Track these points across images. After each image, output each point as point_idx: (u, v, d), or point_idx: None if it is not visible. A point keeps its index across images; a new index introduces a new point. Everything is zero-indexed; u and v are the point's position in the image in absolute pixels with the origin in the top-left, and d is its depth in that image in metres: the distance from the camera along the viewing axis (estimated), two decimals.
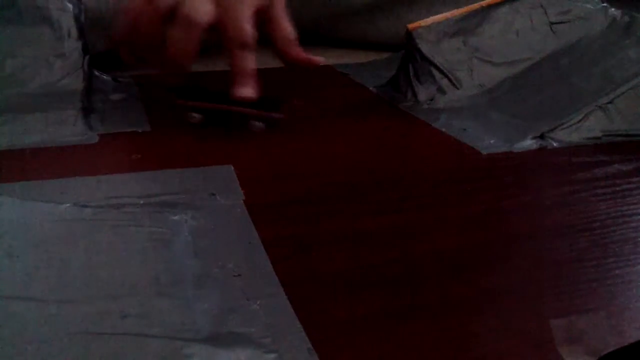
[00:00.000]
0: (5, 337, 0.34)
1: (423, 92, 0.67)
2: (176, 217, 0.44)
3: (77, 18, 0.61)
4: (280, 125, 0.60)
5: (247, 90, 0.57)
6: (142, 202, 0.46)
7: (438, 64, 0.67)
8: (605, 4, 0.73)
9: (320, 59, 0.60)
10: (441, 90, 0.67)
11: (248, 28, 0.55)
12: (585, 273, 0.42)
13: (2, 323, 0.35)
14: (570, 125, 0.60)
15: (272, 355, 0.34)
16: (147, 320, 0.36)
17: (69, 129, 0.55)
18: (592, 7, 0.72)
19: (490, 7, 0.71)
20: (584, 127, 0.60)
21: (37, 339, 0.34)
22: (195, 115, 0.59)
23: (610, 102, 0.62)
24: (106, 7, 0.67)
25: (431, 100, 0.66)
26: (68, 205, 0.44)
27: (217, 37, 0.55)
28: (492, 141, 0.59)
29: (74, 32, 0.60)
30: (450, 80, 0.67)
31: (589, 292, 0.40)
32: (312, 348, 0.34)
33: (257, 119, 0.59)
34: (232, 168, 0.51)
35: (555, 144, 0.59)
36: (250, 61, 0.56)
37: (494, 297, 0.41)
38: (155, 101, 0.62)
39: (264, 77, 0.57)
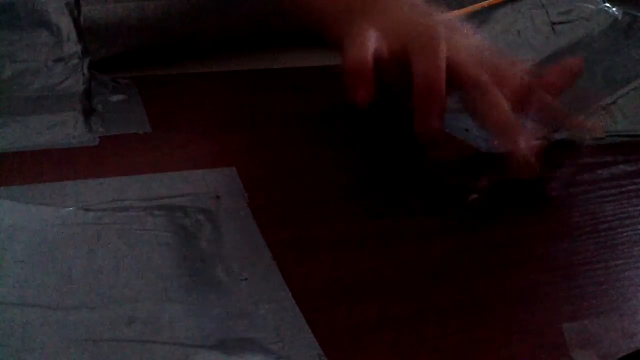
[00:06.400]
0: (10, 345, 0.34)
1: None
2: (181, 221, 0.44)
3: (76, 21, 0.60)
4: (276, 128, 0.59)
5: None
6: (145, 205, 0.45)
7: None
8: (606, 4, 0.72)
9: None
10: None
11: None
12: (594, 276, 0.42)
13: (7, 330, 0.34)
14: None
15: None
16: (154, 326, 0.35)
17: (69, 131, 0.54)
18: (593, 7, 0.72)
19: (491, 8, 0.71)
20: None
21: (41, 347, 0.34)
22: (475, 195, 0.46)
23: (613, 103, 0.62)
24: (108, 17, 0.66)
25: None
26: (71, 208, 0.44)
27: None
28: (495, 142, 0.58)
29: (73, 35, 0.60)
30: None
31: (600, 295, 0.40)
32: (323, 354, 0.34)
33: (553, 179, 0.48)
34: (235, 170, 0.51)
35: None
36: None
37: (504, 301, 0.40)
38: (155, 102, 0.61)
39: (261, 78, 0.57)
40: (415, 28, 0.49)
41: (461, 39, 0.50)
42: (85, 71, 0.60)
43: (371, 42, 0.48)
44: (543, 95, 0.49)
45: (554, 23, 0.71)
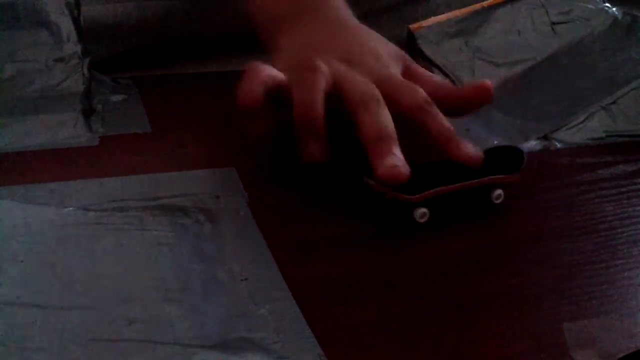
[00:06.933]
0: (9, 344, 0.34)
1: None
2: (181, 220, 0.44)
3: (76, 21, 0.60)
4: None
5: (471, 148, 0.46)
6: (145, 205, 0.45)
7: (440, 64, 0.67)
8: (606, 4, 0.72)
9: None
10: None
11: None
12: (594, 276, 0.42)
13: (6, 330, 0.34)
14: (574, 126, 0.60)
15: None
16: (154, 326, 0.35)
17: (69, 131, 0.55)
18: (593, 7, 0.72)
19: (491, 8, 0.71)
20: (587, 128, 0.60)
21: (41, 346, 0.34)
22: (424, 210, 0.46)
23: (613, 103, 0.62)
24: (108, 17, 0.66)
25: None
26: (71, 209, 0.44)
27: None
28: (495, 142, 0.58)
29: (73, 35, 0.60)
30: (452, 80, 0.67)
31: (600, 295, 0.40)
32: (322, 354, 0.34)
33: (497, 187, 0.48)
34: (235, 170, 0.51)
35: (558, 145, 0.58)
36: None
37: (504, 300, 0.40)
38: (155, 102, 0.61)
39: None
40: (299, 61, 0.50)
41: (355, 64, 0.50)
42: (85, 71, 0.60)
43: (257, 78, 0.48)
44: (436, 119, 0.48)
45: (554, 23, 0.71)
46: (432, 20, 0.69)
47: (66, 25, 0.60)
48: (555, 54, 0.70)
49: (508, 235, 0.47)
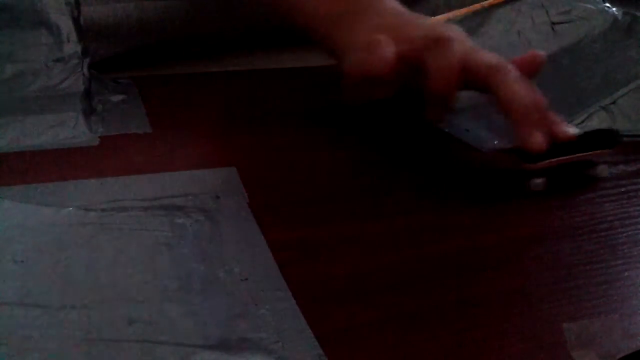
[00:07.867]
0: (9, 344, 0.34)
1: None
2: (181, 220, 0.44)
3: (76, 21, 0.60)
4: (276, 128, 0.59)
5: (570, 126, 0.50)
6: (146, 205, 0.45)
7: None
8: (606, 4, 0.72)
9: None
10: None
11: None
12: (595, 275, 0.42)
13: (6, 330, 0.34)
14: (574, 126, 0.60)
15: None
16: (154, 326, 0.35)
17: (69, 131, 0.54)
18: (593, 7, 0.72)
19: (491, 8, 0.71)
20: (587, 128, 0.60)
21: (41, 346, 0.34)
22: (538, 181, 0.49)
23: (613, 103, 0.62)
24: (108, 17, 0.66)
25: None
26: (71, 209, 0.44)
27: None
28: (495, 142, 0.58)
29: (73, 35, 0.60)
30: None
31: (600, 295, 0.40)
32: (323, 354, 0.34)
33: (600, 161, 0.52)
34: (235, 170, 0.51)
35: None
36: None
37: (504, 301, 0.40)
38: (155, 102, 0.61)
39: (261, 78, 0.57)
40: (425, 30, 0.51)
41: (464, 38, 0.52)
42: (85, 71, 0.60)
43: (388, 45, 0.50)
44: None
45: (554, 23, 0.71)
46: (433, 20, 0.69)
47: (66, 25, 0.60)
48: (555, 54, 0.70)
49: (508, 235, 0.47)
